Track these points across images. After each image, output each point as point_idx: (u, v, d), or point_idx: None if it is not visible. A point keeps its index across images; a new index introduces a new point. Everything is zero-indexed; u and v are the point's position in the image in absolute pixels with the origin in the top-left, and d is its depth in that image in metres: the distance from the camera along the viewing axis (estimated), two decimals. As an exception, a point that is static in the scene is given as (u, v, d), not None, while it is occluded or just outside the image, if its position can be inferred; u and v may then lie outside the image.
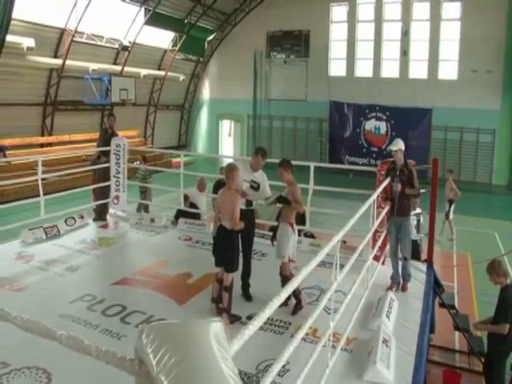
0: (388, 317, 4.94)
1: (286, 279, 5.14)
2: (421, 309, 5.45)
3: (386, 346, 4.28)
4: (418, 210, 8.14)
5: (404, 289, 5.96)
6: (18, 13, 14.84)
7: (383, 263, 6.56)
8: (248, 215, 5.57)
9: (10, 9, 13.96)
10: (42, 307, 4.98)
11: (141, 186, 11.80)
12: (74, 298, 5.40)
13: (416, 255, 7.25)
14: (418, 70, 21.93)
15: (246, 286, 5.62)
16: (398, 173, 5.91)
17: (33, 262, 6.63)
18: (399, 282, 5.98)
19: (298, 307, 5.17)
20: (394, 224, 6.01)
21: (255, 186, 5.77)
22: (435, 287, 6.37)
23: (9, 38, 14.73)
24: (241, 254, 5.36)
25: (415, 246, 7.23)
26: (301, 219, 9.47)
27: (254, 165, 5.85)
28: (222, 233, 5.08)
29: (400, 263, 6.00)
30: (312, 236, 8.28)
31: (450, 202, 12.08)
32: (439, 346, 6.95)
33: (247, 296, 5.57)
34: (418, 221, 8.11)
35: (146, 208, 11.44)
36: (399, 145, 5.97)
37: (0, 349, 4.19)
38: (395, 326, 4.93)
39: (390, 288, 5.87)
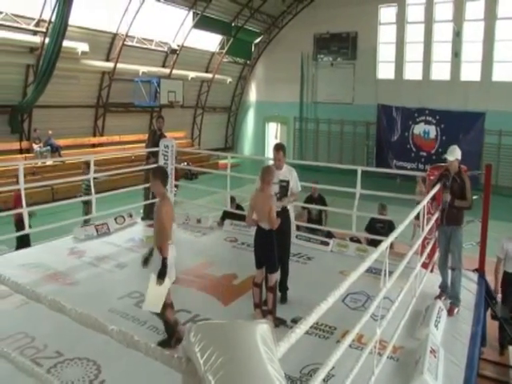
0: (436, 326, 4.79)
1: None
2: (471, 320, 5.26)
3: (434, 356, 4.15)
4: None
5: (450, 313, 5.40)
6: (74, 19, 15.43)
7: (432, 271, 6.38)
8: (282, 217, 5.49)
9: (66, 16, 14.56)
10: (92, 302, 5.13)
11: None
12: (123, 294, 5.57)
13: None
14: (471, 72, 21.13)
15: (283, 288, 5.59)
16: (450, 181, 5.60)
17: (84, 257, 6.88)
18: (448, 292, 5.69)
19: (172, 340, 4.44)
20: (443, 232, 5.75)
21: (284, 185, 5.62)
22: (487, 298, 6.13)
23: (65, 43, 15.34)
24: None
25: None
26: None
27: (276, 162, 5.73)
28: (261, 234, 5.08)
29: (450, 273, 5.71)
30: (358, 241, 8.18)
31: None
32: (492, 360, 6.64)
33: (283, 298, 5.53)
34: None
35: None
36: (456, 154, 5.59)
37: (55, 339, 4.39)
38: (444, 337, 4.78)
39: (439, 297, 5.68)
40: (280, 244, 5.24)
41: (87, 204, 10.21)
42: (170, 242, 4.44)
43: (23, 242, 8.01)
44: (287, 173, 5.72)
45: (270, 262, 5.03)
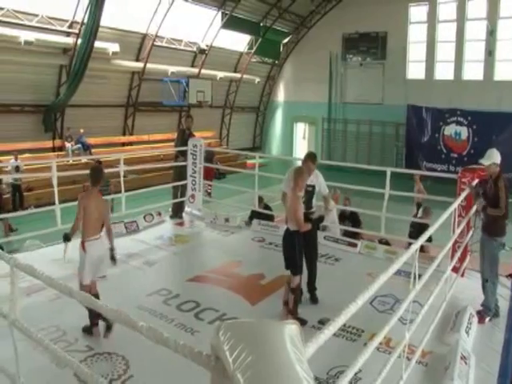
0: (467, 333, 4.69)
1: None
2: (504, 327, 5.12)
3: (465, 363, 4.06)
4: None
5: (480, 320, 5.22)
6: (105, 20, 15.71)
7: (462, 275, 6.25)
8: (308, 218, 5.52)
9: (98, 17, 14.85)
10: (122, 298, 5.23)
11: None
12: (151, 292, 5.64)
13: None
14: (506, 72, 20.58)
15: (312, 289, 5.59)
16: (487, 187, 5.32)
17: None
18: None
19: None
20: (479, 240, 5.50)
21: (310, 189, 5.70)
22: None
23: (96, 43, 15.64)
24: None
25: None
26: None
27: (310, 172, 5.73)
28: (286, 234, 5.16)
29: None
30: (387, 243, 8.07)
31: (418, 205, 11.48)
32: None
33: (313, 299, 5.55)
34: None
35: None
36: (492, 158, 5.28)
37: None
38: (475, 343, 4.68)
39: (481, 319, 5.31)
40: (306, 245, 5.27)
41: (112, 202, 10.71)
42: (91, 237, 4.61)
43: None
44: (314, 178, 5.79)
45: (292, 263, 5.05)
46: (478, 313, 5.31)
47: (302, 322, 4.85)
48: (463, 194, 5.77)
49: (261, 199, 9.18)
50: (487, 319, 5.27)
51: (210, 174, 16.43)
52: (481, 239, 5.46)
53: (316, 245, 5.77)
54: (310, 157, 5.86)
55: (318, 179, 5.85)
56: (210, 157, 17.48)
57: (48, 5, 15.36)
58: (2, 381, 3.27)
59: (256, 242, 7.89)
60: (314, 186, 5.76)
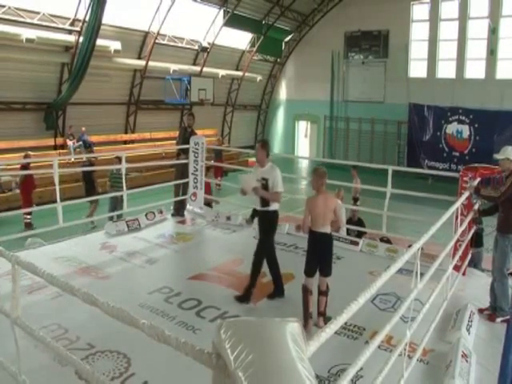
0: (468, 330, 4.69)
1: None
2: (505, 325, 5.11)
3: (466, 361, 4.06)
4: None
5: (490, 318, 5.22)
6: (107, 18, 15.72)
7: (464, 274, 6.25)
8: (264, 216, 5.49)
9: (100, 15, 14.86)
10: (123, 296, 5.23)
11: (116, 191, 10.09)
12: (153, 290, 5.64)
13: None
14: (507, 70, 20.53)
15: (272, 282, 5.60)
16: (497, 181, 5.45)
17: (116, 252, 7.01)
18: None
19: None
20: (494, 238, 5.42)
21: (264, 183, 5.43)
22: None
23: (98, 41, 15.66)
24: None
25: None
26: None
27: (258, 158, 5.61)
28: (327, 239, 4.92)
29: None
30: (388, 241, 8.07)
31: (355, 199, 11.55)
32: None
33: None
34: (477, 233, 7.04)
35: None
36: (507, 153, 5.28)
37: (87, 331, 4.50)
38: (476, 341, 4.67)
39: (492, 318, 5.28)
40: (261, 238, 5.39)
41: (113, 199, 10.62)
42: None
43: None
44: (268, 170, 5.52)
45: (329, 266, 4.95)
46: (480, 310, 5.31)
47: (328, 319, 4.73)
48: (465, 194, 5.76)
49: None
50: (499, 319, 5.17)
51: (219, 172, 16.49)
52: (495, 238, 5.42)
53: (270, 241, 5.72)
54: (261, 144, 5.60)
55: (272, 173, 5.48)
56: (219, 155, 17.60)
57: (50, 2, 15.40)
58: (4, 378, 3.28)
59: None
60: (267, 180, 5.44)
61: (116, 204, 10.30)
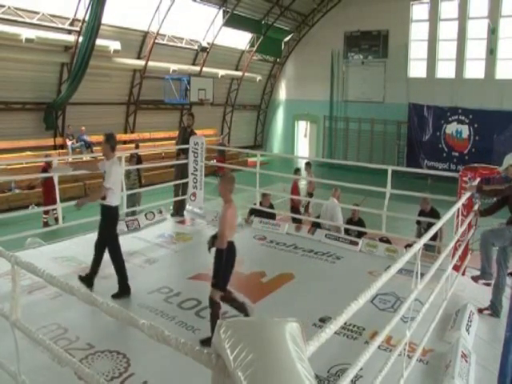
0: (468, 330, 4.69)
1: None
2: (505, 325, 5.12)
3: (466, 361, 4.06)
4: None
5: (474, 279, 5.60)
6: (106, 18, 15.70)
7: (463, 274, 6.25)
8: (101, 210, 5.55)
9: (100, 15, 14.84)
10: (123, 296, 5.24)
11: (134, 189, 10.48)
12: (152, 290, 5.65)
13: None
14: (507, 70, 20.53)
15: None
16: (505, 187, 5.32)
17: (115, 252, 6.99)
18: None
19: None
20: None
21: (104, 176, 5.45)
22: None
23: (98, 41, 15.63)
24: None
25: None
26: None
27: (102, 151, 5.68)
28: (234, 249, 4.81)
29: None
30: (388, 241, 8.07)
31: (310, 195, 11.78)
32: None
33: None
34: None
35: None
36: (510, 160, 5.27)
37: (86, 331, 4.50)
38: (475, 341, 4.67)
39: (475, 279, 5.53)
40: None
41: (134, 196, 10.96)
42: None
43: None
44: (109, 164, 5.50)
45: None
46: (480, 310, 5.31)
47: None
48: (466, 194, 5.76)
49: (265, 195, 9.20)
50: (481, 281, 5.50)
51: (221, 170, 16.44)
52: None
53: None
54: (105, 138, 5.56)
55: (111, 167, 5.44)
56: (222, 153, 17.62)
57: (49, 2, 15.37)
58: (3, 378, 3.28)
59: (257, 240, 7.89)
60: (104, 173, 5.49)
61: (135, 201, 10.62)
